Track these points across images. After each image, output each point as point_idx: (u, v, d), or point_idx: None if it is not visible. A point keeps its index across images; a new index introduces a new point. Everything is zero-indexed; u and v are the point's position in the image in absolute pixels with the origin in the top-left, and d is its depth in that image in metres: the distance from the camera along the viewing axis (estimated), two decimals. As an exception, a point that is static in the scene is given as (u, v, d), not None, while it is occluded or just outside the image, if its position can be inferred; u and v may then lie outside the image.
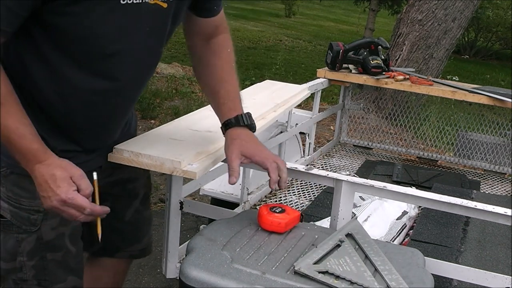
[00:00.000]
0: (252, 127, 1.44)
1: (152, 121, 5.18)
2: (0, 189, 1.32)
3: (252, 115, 1.47)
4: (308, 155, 2.94)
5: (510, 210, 1.35)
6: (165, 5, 1.25)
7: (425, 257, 1.36)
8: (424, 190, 1.46)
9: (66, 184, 1.17)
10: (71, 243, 1.41)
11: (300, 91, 2.46)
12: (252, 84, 2.57)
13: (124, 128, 1.48)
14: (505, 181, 3.09)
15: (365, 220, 2.04)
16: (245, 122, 1.42)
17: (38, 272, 1.37)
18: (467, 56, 13.50)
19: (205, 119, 1.72)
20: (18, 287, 1.39)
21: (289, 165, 1.54)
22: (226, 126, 1.42)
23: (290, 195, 2.49)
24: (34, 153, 1.17)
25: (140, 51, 1.28)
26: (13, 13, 1.11)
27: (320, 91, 2.96)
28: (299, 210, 2.31)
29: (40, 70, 1.23)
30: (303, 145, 2.97)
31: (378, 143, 3.47)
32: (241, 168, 2.17)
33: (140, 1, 1.19)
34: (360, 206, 2.20)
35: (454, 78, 7.22)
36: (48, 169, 1.17)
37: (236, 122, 1.41)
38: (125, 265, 1.72)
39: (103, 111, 1.34)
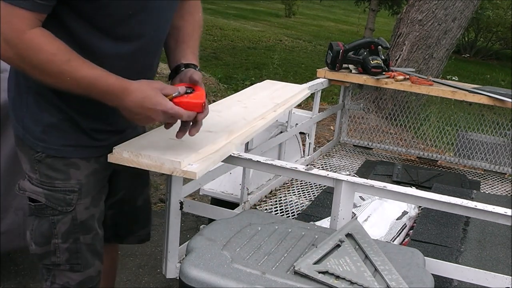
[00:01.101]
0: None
1: (152, 121, 5.16)
2: (33, 176, 1.37)
3: (252, 115, 1.47)
4: (308, 155, 2.94)
5: (510, 210, 1.35)
6: None
7: (425, 257, 1.36)
8: (424, 190, 1.46)
9: (160, 98, 1.26)
10: (99, 226, 1.47)
11: (300, 91, 2.46)
12: (252, 84, 2.57)
13: None
14: (505, 181, 3.09)
15: (365, 220, 2.04)
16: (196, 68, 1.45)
17: (71, 256, 1.42)
18: (468, 55, 13.50)
19: (205, 119, 1.72)
20: (51, 274, 1.44)
21: (289, 165, 1.54)
22: (188, 66, 1.44)
23: (290, 195, 2.49)
24: (119, 86, 1.24)
25: (157, 8, 1.33)
26: None
27: (320, 91, 2.96)
28: (299, 210, 2.32)
29: (67, 44, 1.25)
30: (303, 145, 2.97)
31: (378, 143, 3.47)
32: (241, 168, 2.19)
33: None
34: (360, 206, 2.20)
35: (453, 78, 7.23)
36: (138, 94, 1.25)
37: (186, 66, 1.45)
38: (117, 247, 1.81)
39: (131, 76, 1.37)
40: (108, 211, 1.55)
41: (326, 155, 3.22)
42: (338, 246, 1.30)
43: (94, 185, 1.42)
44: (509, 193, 2.87)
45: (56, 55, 1.17)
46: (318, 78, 3.03)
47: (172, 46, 1.50)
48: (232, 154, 1.54)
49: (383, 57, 3.06)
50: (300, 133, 2.89)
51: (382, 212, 2.13)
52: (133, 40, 1.32)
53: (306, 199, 2.45)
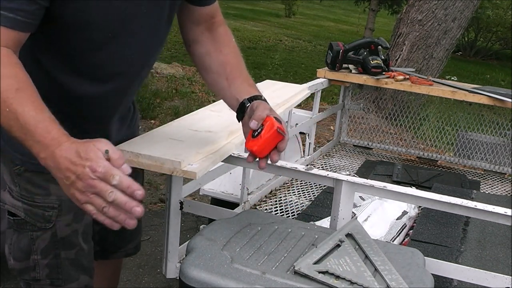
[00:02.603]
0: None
1: (152, 121, 5.18)
2: (13, 188, 1.33)
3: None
4: (308, 155, 2.94)
5: (510, 210, 1.35)
6: None
7: (425, 257, 1.36)
8: (424, 190, 1.46)
9: (95, 154, 0.99)
10: (84, 241, 1.42)
11: (300, 91, 2.46)
12: (252, 84, 2.56)
13: (130, 123, 1.52)
14: (505, 181, 3.09)
15: (365, 220, 2.04)
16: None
17: (51, 271, 1.38)
18: (461, 53, 13.51)
19: (205, 119, 1.72)
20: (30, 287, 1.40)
21: (289, 165, 1.54)
22: (252, 99, 1.37)
23: (290, 195, 2.49)
24: (53, 136, 1.04)
25: (141, 33, 1.28)
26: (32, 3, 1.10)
27: (320, 91, 2.96)
28: (299, 210, 2.32)
29: (51, 62, 1.24)
30: (303, 145, 2.97)
31: (378, 143, 3.47)
32: (241, 168, 2.19)
33: None
34: (360, 206, 2.20)
35: (453, 78, 7.22)
36: (71, 148, 1.01)
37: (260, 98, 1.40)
38: (121, 261, 1.79)
39: (113, 97, 1.35)
40: (95, 226, 1.50)
41: (326, 155, 3.22)
42: (338, 246, 1.30)
43: None
44: (509, 193, 2.87)
45: (8, 78, 1.05)
46: (318, 78, 3.03)
47: (225, 86, 1.44)
48: (232, 154, 1.54)
49: (383, 57, 3.06)
50: (300, 133, 2.89)
51: (382, 212, 2.13)
52: (113, 63, 1.28)
53: (306, 199, 2.45)
